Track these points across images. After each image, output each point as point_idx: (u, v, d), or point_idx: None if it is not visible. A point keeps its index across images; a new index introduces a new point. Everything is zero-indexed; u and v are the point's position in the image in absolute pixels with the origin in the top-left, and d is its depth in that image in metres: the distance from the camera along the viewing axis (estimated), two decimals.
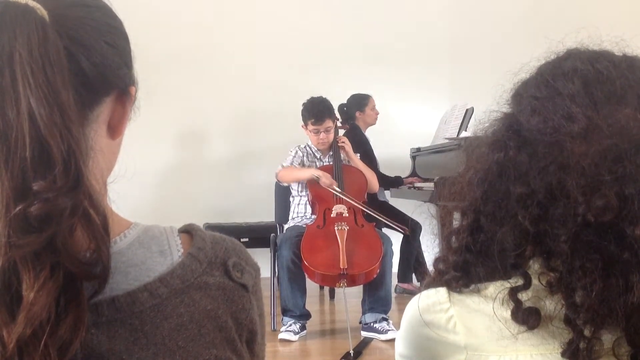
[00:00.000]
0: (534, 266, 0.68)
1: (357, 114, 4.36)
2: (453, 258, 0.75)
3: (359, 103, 4.38)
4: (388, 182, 4.32)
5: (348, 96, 4.41)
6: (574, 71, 0.75)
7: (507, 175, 0.70)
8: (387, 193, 4.53)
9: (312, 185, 3.50)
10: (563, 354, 0.64)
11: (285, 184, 3.68)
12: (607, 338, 0.64)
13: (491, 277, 0.71)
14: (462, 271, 0.73)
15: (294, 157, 3.65)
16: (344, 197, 3.44)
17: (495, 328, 0.69)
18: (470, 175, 0.75)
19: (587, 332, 0.63)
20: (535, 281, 0.67)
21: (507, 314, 0.68)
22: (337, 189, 3.44)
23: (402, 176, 4.41)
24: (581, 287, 0.63)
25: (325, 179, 3.41)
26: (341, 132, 4.00)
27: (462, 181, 0.76)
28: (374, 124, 4.46)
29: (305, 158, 3.68)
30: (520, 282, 0.68)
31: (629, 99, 0.71)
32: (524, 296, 0.68)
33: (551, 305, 0.66)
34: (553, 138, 0.68)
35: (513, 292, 0.68)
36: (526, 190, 0.68)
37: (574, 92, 0.73)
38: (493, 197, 0.71)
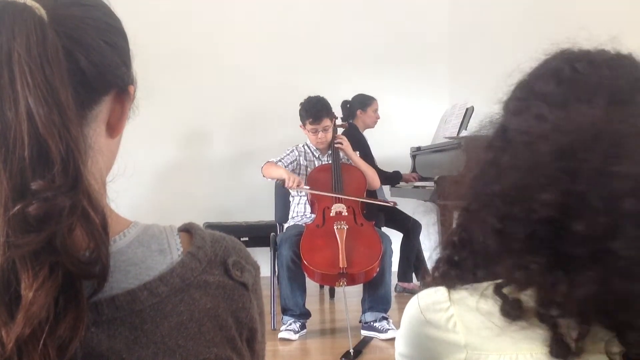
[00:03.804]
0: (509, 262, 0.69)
1: (359, 112, 4.36)
2: (446, 252, 0.76)
3: (363, 102, 4.39)
4: (387, 178, 4.32)
5: (349, 96, 4.41)
6: (551, 71, 0.76)
7: (489, 175, 0.71)
8: (387, 192, 4.53)
9: (312, 185, 3.50)
10: (550, 352, 0.65)
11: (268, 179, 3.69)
12: (601, 335, 0.64)
13: (485, 276, 0.72)
14: (455, 267, 0.74)
15: (287, 155, 3.64)
16: (321, 194, 3.44)
17: (492, 326, 0.69)
18: (466, 175, 0.76)
19: (564, 327, 0.64)
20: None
21: (496, 310, 0.69)
22: (306, 187, 3.44)
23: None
24: (542, 283, 0.64)
25: (290, 182, 3.39)
26: (339, 131, 4.00)
27: (460, 180, 0.77)
28: (372, 127, 4.45)
29: (302, 158, 3.68)
30: (503, 278, 0.69)
31: (599, 97, 0.72)
32: (508, 291, 0.69)
33: (527, 298, 0.67)
34: (526, 138, 0.69)
35: (498, 288, 0.69)
36: (498, 189, 0.69)
37: (547, 92, 0.75)
38: (479, 197, 0.73)
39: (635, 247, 0.60)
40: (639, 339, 0.62)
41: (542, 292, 0.65)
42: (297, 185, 3.40)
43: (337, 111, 4.00)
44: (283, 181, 3.41)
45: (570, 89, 0.74)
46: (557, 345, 0.64)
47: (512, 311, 0.67)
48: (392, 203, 3.61)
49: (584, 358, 0.64)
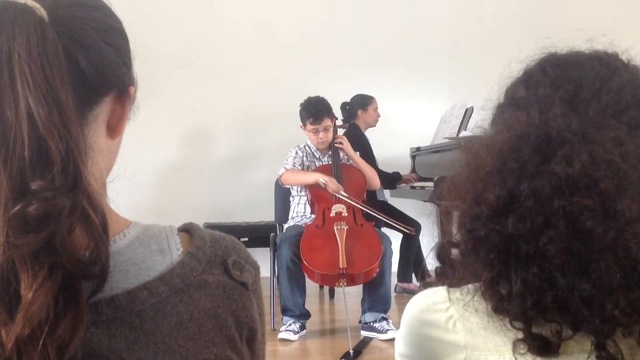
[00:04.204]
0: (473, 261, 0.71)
1: (360, 112, 4.37)
2: (445, 252, 0.77)
3: (363, 102, 4.39)
4: (387, 179, 4.32)
5: (349, 97, 4.41)
6: (525, 76, 0.79)
7: (471, 179, 0.73)
8: (387, 193, 4.53)
9: (312, 185, 3.50)
10: (528, 350, 0.66)
11: (288, 187, 3.68)
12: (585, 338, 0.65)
13: (475, 277, 0.72)
14: (455, 267, 0.75)
15: (295, 158, 3.64)
16: (350, 202, 3.43)
17: (491, 326, 0.69)
18: (464, 176, 0.76)
19: (528, 324, 0.65)
20: None
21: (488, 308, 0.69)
22: (345, 194, 3.43)
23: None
24: (484, 280, 0.67)
25: (332, 185, 3.40)
26: (340, 131, 4.00)
27: (458, 181, 0.77)
28: (374, 125, 4.46)
29: (304, 158, 3.68)
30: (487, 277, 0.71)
31: (558, 99, 0.74)
32: (489, 289, 0.70)
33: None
34: (488, 142, 0.72)
35: (483, 287, 0.70)
36: (475, 191, 0.70)
37: (516, 97, 0.78)
38: (464, 200, 0.74)
39: (566, 244, 0.62)
40: (601, 337, 0.63)
41: (498, 289, 0.67)
42: (338, 190, 3.40)
43: (337, 113, 4.00)
44: (324, 185, 3.39)
45: (535, 93, 0.76)
46: (531, 342, 0.65)
47: (489, 301, 0.68)
48: (412, 231, 3.63)
49: (560, 356, 0.64)
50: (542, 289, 0.63)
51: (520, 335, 0.66)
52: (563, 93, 0.74)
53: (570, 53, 0.80)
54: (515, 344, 0.66)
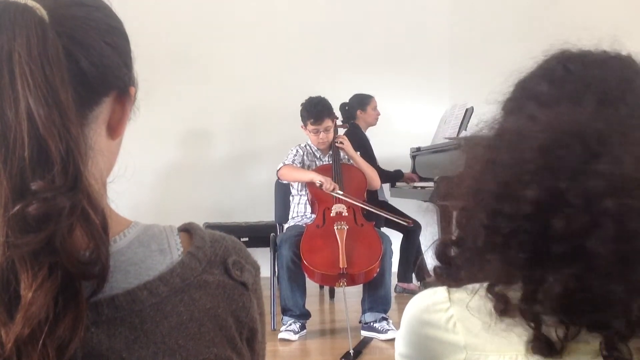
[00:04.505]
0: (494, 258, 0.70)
1: (359, 112, 4.36)
2: (444, 251, 0.77)
3: (361, 102, 4.39)
4: (389, 177, 4.32)
5: (349, 96, 4.41)
6: (544, 72, 0.77)
7: (487, 174, 0.72)
8: (387, 193, 4.53)
9: (311, 185, 3.50)
10: (533, 349, 0.65)
11: (285, 182, 3.68)
12: (584, 336, 0.64)
13: (483, 275, 0.72)
14: (454, 267, 0.75)
15: (295, 155, 3.64)
16: (347, 200, 3.43)
17: (492, 326, 0.69)
18: (464, 174, 0.76)
19: (547, 325, 0.64)
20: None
21: (491, 307, 0.69)
22: (340, 192, 3.43)
23: None
24: (519, 279, 0.65)
25: (328, 184, 3.40)
26: (341, 131, 4.00)
27: (459, 180, 0.77)
28: (374, 124, 4.46)
29: (305, 157, 3.68)
30: (494, 276, 0.70)
31: (588, 97, 0.72)
32: (499, 289, 0.69)
33: (514, 294, 0.67)
34: (516, 137, 0.70)
35: (491, 287, 0.69)
36: (491, 187, 0.69)
37: (539, 93, 0.76)
38: (475, 195, 0.73)
39: (613, 246, 0.61)
40: (617, 339, 0.62)
41: (525, 288, 0.65)
42: (334, 189, 3.40)
43: (337, 113, 4.00)
44: (320, 184, 3.39)
45: (561, 89, 0.75)
46: (538, 342, 0.64)
47: (498, 306, 0.67)
48: (410, 222, 3.61)
49: (565, 358, 0.64)
50: (576, 289, 0.62)
51: (530, 335, 0.65)
52: (594, 91, 0.73)
53: (587, 52, 0.78)
54: (527, 344, 0.65)
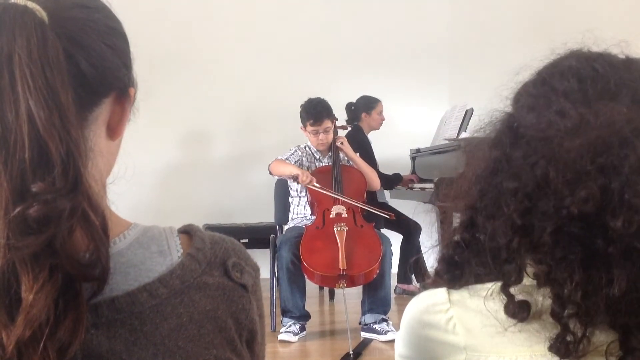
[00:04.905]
0: (525, 260, 0.68)
1: (364, 115, 4.35)
2: (447, 252, 0.76)
3: (368, 105, 4.37)
4: (388, 180, 4.32)
5: (349, 98, 4.40)
6: (569, 69, 0.75)
7: (501, 172, 0.71)
8: (387, 194, 4.53)
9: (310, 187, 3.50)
10: (550, 348, 0.65)
11: (275, 177, 3.68)
12: (601, 339, 0.64)
13: (488, 276, 0.71)
14: (455, 265, 0.74)
15: (292, 154, 3.64)
16: (325, 193, 3.42)
17: (491, 325, 0.69)
18: (470, 174, 0.75)
19: (572, 326, 0.63)
20: (526, 276, 0.68)
21: (500, 308, 0.68)
22: (317, 185, 3.42)
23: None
24: (564, 279, 0.63)
25: (304, 177, 3.39)
26: (341, 132, 4.00)
27: (462, 180, 0.76)
28: (378, 129, 4.44)
29: (304, 158, 3.68)
30: (513, 277, 0.68)
31: (622, 96, 0.72)
32: (515, 290, 0.68)
33: (541, 299, 0.67)
34: (545, 133, 0.69)
35: (505, 287, 0.68)
36: (517, 185, 0.68)
37: (568, 89, 0.74)
38: (488, 194, 0.72)
39: None
40: None
41: (562, 289, 0.64)
42: (309, 182, 3.39)
43: (340, 113, 3.99)
44: (295, 177, 3.40)
45: (593, 87, 0.73)
46: (562, 344, 0.63)
47: (518, 312, 0.66)
48: (391, 216, 3.59)
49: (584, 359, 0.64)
50: (628, 291, 0.61)
51: (551, 336, 0.64)
52: (627, 92, 0.72)
53: (604, 53, 0.77)
54: (550, 343, 0.65)
